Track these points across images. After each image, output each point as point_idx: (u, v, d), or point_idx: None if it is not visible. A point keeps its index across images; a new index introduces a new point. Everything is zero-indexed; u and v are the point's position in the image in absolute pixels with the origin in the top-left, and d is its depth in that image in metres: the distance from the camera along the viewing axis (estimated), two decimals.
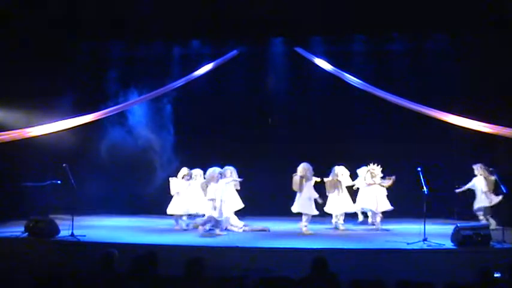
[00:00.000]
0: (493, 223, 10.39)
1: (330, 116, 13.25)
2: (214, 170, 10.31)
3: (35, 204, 11.26)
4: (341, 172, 11.05)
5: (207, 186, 10.24)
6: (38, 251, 8.91)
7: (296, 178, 10.46)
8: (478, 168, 10.86)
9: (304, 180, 10.40)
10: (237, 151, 12.93)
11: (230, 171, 10.89)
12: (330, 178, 10.97)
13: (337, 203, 10.96)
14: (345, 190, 11.04)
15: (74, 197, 9.88)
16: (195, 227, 10.85)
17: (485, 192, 10.66)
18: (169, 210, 11.15)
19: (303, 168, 10.46)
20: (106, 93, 12.99)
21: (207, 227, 10.12)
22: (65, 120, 10.92)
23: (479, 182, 10.76)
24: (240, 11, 11.84)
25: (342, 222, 11.08)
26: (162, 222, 11.59)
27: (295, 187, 10.48)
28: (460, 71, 12.25)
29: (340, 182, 10.95)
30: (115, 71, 13.41)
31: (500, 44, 11.37)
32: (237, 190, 11.03)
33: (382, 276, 6.72)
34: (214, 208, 10.02)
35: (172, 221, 11.32)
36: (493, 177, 10.45)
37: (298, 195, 10.51)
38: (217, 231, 10.06)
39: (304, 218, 10.47)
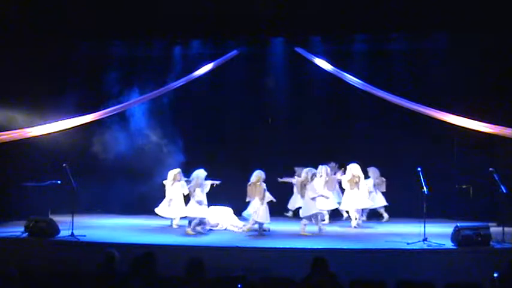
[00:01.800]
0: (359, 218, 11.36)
1: (330, 115, 13.25)
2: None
3: (35, 204, 11.24)
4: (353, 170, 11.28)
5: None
6: (38, 251, 8.91)
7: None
8: (371, 170, 11.68)
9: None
10: (237, 151, 12.93)
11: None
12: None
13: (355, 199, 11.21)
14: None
15: (74, 197, 9.87)
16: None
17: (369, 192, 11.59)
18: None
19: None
20: (106, 93, 12.97)
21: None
22: (65, 120, 10.91)
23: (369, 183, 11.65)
24: (240, 11, 11.84)
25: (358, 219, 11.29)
26: (162, 222, 11.58)
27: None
28: (460, 71, 12.24)
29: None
30: (115, 71, 13.38)
31: (499, 44, 11.37)
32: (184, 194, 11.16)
33: (382, 276, 6.73)
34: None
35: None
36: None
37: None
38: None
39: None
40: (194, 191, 10.33)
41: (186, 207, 10.57)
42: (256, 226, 10.53)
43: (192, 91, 13.23)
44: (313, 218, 10.35)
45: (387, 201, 11.70)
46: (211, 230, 10.64)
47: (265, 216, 10.22)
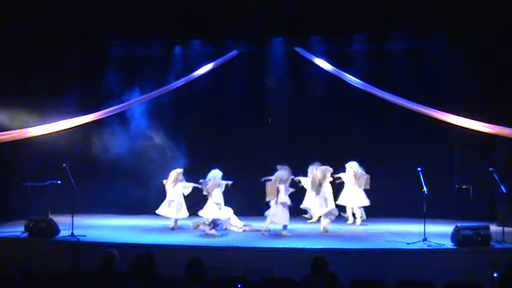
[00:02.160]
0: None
1: (330, 116, 13.24)
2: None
3: (35, 204, 11.25)
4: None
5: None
6: (38, 251, 8.91)
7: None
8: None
9: None
10: (237, 151, 12.92)
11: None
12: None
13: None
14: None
15: (74, 197, 9.87)
16: (196, 227, 10.86)
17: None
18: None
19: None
20: (106, 93, 12.98)
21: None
22: (65, 120, 10.91)
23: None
24: (240, 11, 11.84)
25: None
26: (162, 223, 11.58)
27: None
28: (460, 71, 12.24)
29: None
30: (115, 71, 13.39)
31: (499, 44, 11.37)
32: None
33: (382, 276, 6.74)
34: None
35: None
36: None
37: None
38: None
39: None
40: (212, 191, 10.23)
41: (204, 208, 10.39)
42: (271, 226, 10.50)
43: (191, 91, 13.22)
44: (330, 215, 10.51)
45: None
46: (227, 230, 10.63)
47: (282, 217, 10.12)
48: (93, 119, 11.29)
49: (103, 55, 13.72)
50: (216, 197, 10.25)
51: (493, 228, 9.22)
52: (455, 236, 8.74)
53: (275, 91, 13.49)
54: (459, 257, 8.42)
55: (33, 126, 10.71)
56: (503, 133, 10.03)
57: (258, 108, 13.63)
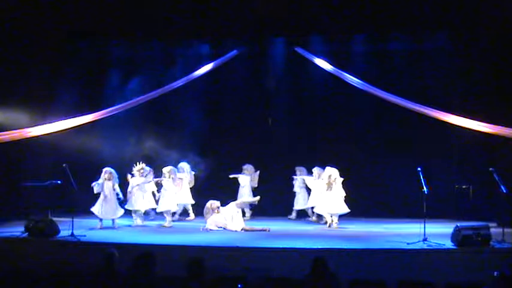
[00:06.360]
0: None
1: (330, 116, 13.25)
2: None
3: (35, 204, 11.24)
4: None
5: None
6: (38, 251, 8.91)
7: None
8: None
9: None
10: (237, 151, 12.93)
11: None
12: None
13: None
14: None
15: (74, 197, 9.86)
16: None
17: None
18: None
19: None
20: (106, 93, 12.98)
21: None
22: (65, 120, 10.91)
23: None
24: (240, 11, 11.84)
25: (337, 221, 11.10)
26: (162, 222, 11.56)
27: None
28: (460, 71, 12.25)
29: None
30: (115, 71, 13.40)
31: (499, 44, 11.37)
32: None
33: (382, 276, 6.74)
34: None
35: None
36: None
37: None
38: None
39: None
40: None
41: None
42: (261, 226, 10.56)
43: (191, 91, 13.22)
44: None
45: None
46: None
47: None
48: (93, 119, 11.28)
49: (103, 55, 13.72)
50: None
51: (493, 228, 9.22)
52: (455, 236, 8.73)
53: (275, 91, 13.48)
54: (459, 257, 8.41)
55: (33, 126, 10.71)
56: (503, 133, 10.03)
57: (258, 108, 13.62)
